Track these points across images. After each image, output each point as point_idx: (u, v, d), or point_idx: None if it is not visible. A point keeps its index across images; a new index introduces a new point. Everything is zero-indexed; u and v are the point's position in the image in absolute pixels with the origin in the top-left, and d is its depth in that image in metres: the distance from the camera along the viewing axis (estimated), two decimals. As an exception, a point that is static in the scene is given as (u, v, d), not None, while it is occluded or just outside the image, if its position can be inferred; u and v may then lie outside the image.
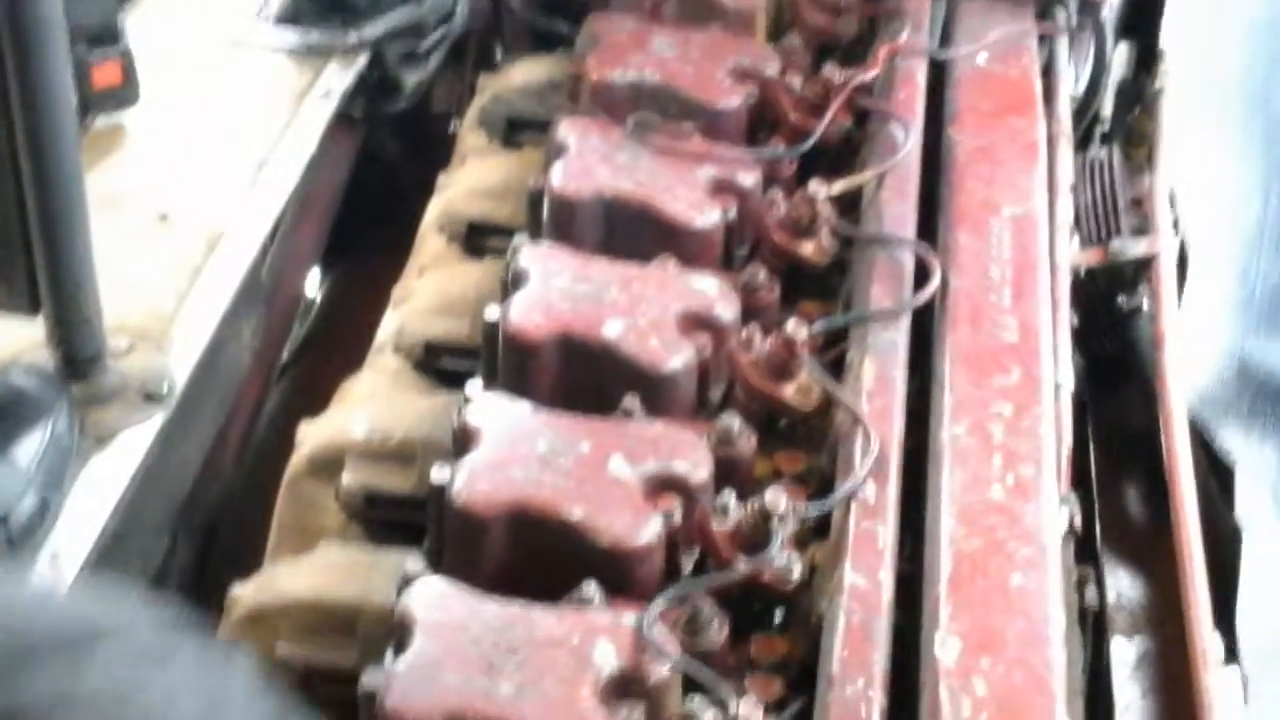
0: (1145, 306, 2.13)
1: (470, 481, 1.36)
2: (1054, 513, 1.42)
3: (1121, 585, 2.17)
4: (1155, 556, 1.94)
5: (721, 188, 1.72)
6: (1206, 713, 1.56)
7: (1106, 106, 2.40)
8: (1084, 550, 1.65)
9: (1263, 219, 0.63)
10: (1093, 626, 1.74)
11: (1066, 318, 1.70)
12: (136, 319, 1.55)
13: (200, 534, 1.64)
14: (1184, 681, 1.61)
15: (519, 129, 2.01)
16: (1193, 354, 0.70)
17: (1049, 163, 1.82)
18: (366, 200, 2.05)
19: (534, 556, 1.36)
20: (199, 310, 1.60)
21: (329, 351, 1.89)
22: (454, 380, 1.69)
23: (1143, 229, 2.08)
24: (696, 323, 1.55)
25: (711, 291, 1.57)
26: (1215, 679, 1.58)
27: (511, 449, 1.40)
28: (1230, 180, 0.63)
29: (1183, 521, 1.71)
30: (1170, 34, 0.70)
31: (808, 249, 1.69)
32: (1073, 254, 1.88)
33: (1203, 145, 0.66)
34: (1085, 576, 1.72)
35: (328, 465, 1.57)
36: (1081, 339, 1.87)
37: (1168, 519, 1.74)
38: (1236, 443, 0.68)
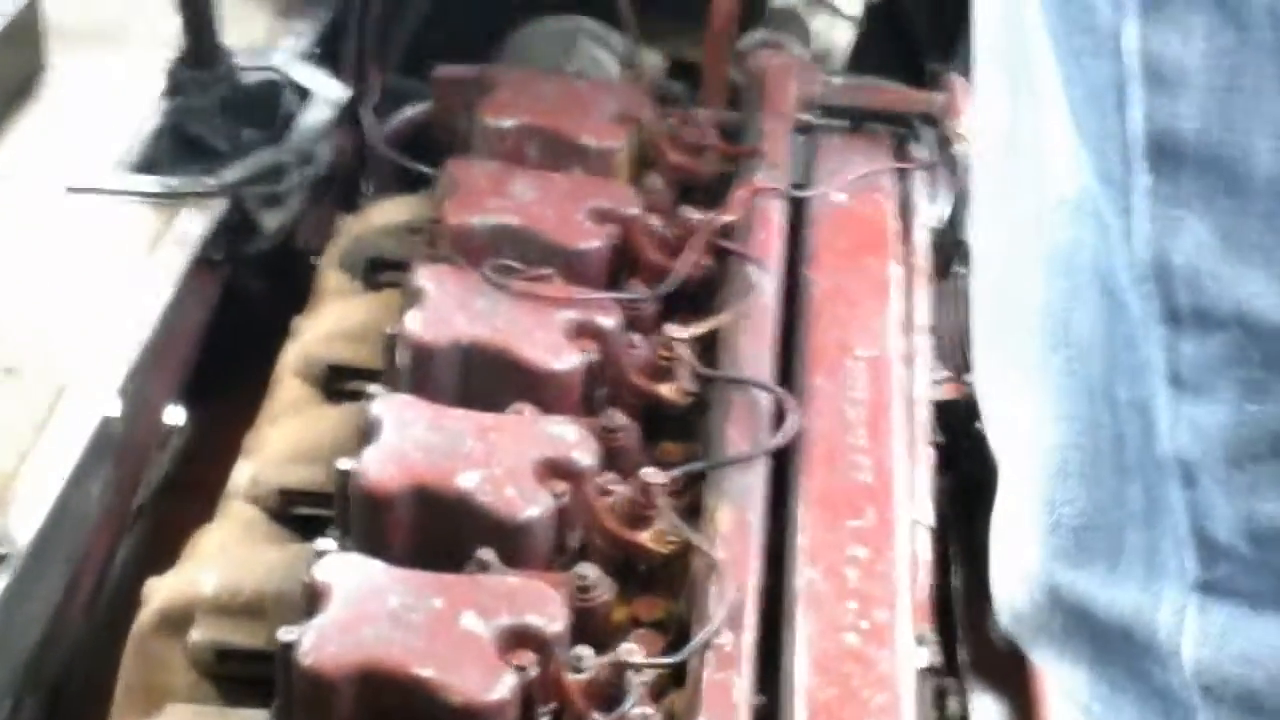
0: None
1: (318, 643, 1.33)
2: (909, 657, 1.42)
3: (989, 713, 2.17)
4: (1019, 682, 1.94)
5: (581, 331, 1.72)
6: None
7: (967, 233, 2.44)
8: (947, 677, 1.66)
9: (1066, 449, 0.64)
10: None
11: (925, 454, 1.71)
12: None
13: (45, 695, 1.59)
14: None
15: (380, 269, 2.00)
16: (1002, 573, 0.71)
17: (906, 300, 1.84)
18: (227, 342, 2.02)
19: (385, 717, 1.33)
20: (43, 466, 1.57)
21: (186, 500, 1.86)
22: (311, 527, 1.67)
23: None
24: (554, 470, 1.54)
25: (569, 438, 1.57)
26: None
27: (361, 607, 1.38)
28: (1034, 410, 0.64)
29: None
30: (975, 269, 0.72)
31: (667, 391, 1.69)
32: (934, 387, 1.90)
33: (1008, 375, 0.68)
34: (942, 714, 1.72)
35: (176, 621, 1.53)
36: (945, 464, 1.88)
37: None
38: (1049, 664, 0.68)
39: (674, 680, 1.42)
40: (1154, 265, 0.61)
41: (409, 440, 1.52)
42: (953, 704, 1.74)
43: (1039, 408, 0.69)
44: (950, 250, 2.29)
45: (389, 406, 1.56)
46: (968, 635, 2.04)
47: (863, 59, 2.62)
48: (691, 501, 1.58)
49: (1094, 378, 0.66)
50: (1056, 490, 0.68)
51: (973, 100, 0.82)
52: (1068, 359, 0.67)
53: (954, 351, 2.14)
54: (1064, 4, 0.62)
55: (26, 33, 2.15)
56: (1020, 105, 0.69)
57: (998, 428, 0.76)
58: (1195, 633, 0.63)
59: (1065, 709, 0.70)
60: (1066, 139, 0.64)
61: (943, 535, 1.74)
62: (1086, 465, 0.67)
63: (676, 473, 1.56)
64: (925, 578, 1.54)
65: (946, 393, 1.98)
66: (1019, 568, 0.71)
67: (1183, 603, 0.63)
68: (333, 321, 1.88)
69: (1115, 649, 0.66)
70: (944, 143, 2.13)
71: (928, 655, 1.49)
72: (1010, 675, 2.02)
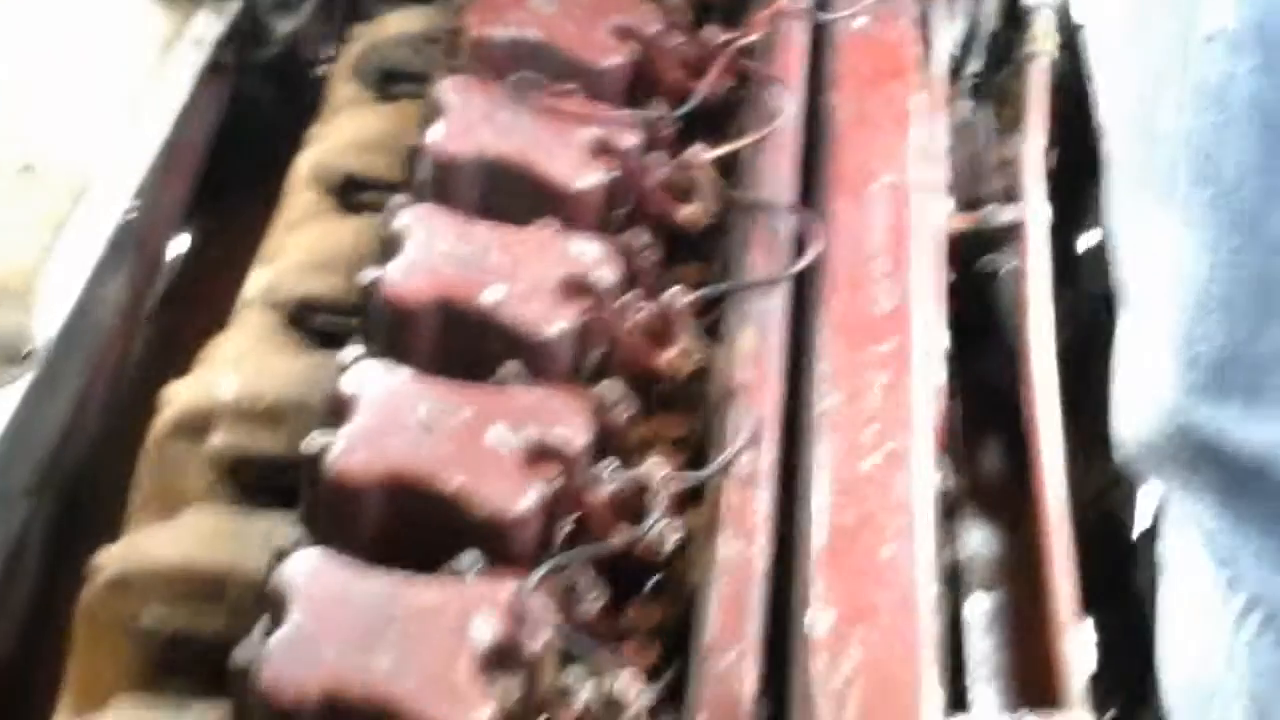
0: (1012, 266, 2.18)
1: (346, 451, 1.34)
2: (926, 483, 1.44)
3: (981, 541, 2.22)
4: (1015, 512, 1.99)
5: (602, 149, 1.71)
6: (1061, 664, 1.60)
7: (978, 62, 2.43)
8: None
9: (1208, 283, 0.63)
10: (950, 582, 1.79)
11: (942, 284, 1.72)
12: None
13: (62, 498, 1.61)
14: (1040, 634, 1.65)
15: (393, 80, 1.97)
16: (1131, 405, 0.72)
17: (925, 128, 1.83)
18: (235, 150, 2.01)
19: (412, 526, 1.35)
20: (64, 266, 1.56)
21: (193, 307, 1.86)
22: (327, 338, 1.67)
23: (1012, 192, 2.11)
24: (577, 288, 1.54)
25: (593, 256, 1.57)
26: (1071, 632, 1.62)
27: (388, 417, 1.38)
28: (1175, 244, 0.64)
29: (1042, 477, 1.75)
30: (1110, 100, 0.71)
31: (688, 213, 1.69)
32: (946, 218, 1.91)
33: (1146, 209, 0.67)
34: (948, 535, 1.75)
35: (194, 427, 1.54)
36: (949, 297, 1.90)
37: (1029, 476, 1.78)
38: (1173, 493, 0.69)
39: (692, 498, 1.44)
40: None
41: (435, 253, 1.52)
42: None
43: (1181, 241, 0.69)
44: (962, 80, 2.29)
45: (415, 217, 1.55)
46: (963, 464, 2.08)
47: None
48: (712, 324, 1.59)
49: (1243, 212, 0.66)
50: (1196, 325, 0.69)
51: None
52: (1215, 193, 0.67)
53: (962, 182, 2.15)
54: None
55: None
56: None
57: (1131, 261, 0.76)
58: None
59: (1183, 538, 0.71)
60: None
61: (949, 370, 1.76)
62: (1230, 301, 0.67)
63: (699, 295, 1.56)
64: (940, 404, 1.56)
65: (957, 223, 1.99)
66: (1150, 400, 0.72)
67: None
68: (349, 131, 1.86)
69: (1247, 484, 0.67)
70: (964, -30, 2.11)
71: (940, 480, 1.52)
72: (1005, 503, 2.06)
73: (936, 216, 1.77)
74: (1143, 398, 0.73)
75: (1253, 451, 0.67)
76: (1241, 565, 0.68)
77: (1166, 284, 0.71)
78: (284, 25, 2.00)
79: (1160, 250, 0.71)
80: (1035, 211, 2.03)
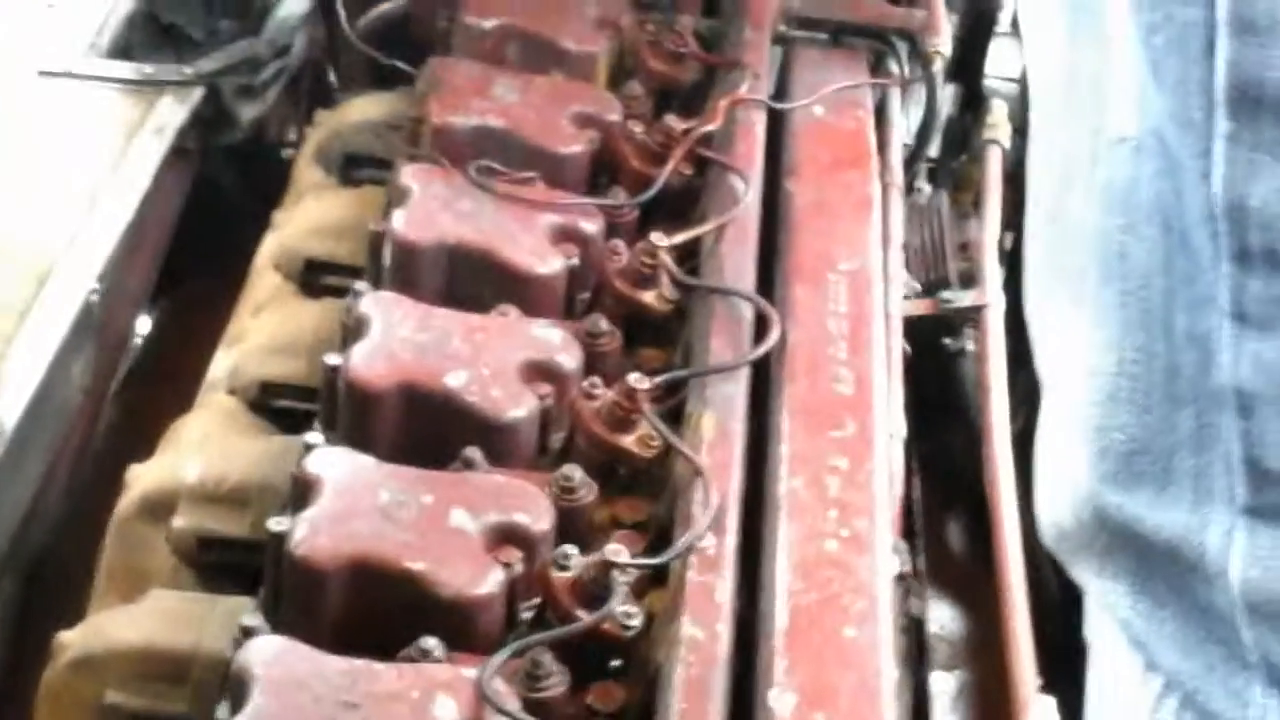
0: (969, 348, 2.21)
1: (311, 534, 1.35)
2: (887, 565, 1.45)
3: (944, 619, 2.23)
4: (976, 591, 2.00)
5: (564, 235, 1.73)
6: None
7: (934, 149, 2.47)
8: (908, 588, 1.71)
9: (1117, 376, 0.66)
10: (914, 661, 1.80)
11: (899, 368, 1.74)
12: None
13: (25, 578, 1.60)
14: (1002, 712, 1.66)
15: (356, 165, 2.00)
16: (1049, 492, 0.74)
17: (883, 215, 1.87)
18: (198, 233, 2.02)
19: (375, 609, 1.35)
20: (27, 349, 1.56)
21: (157, 386, 1.86)
22: (289, 421, 1.68)
23: (970, 276, 2.14)
24: (539, 372, 1.55)
25: (554, 340, 1.58)
26: (1032, 712, 1.63)
27: (352, 500, 1.39)
28: (1085, 338, 0.67)
29: (1004, 555, 1.76)
30: (1030, 199, 0.74)
31: (649, 298, 1.71)
32: (904, 303, 1.94)
33: (1059, 302, 0.70)
34: (911, 616, 1.76)
35: (159, 508, 1.55)
36: (908, 379, 1.93)
37: (991, 556, 1.79)
38: (1089, 578, 0.71)
39: (654, 581, 1.45)
40: (1228, 206, 0.63)
41: (397, 338, 1.53)
42: (914, 604, 1.79)
43: (1092, 335, 0.72)
44: (918, 167, 2.33)
45: (377, 303, 1.57)
46: (927, 543, 2.10)
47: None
48: (673, 408, 1.60)
49: (1150, 308, 0.69)
50: (1107, 416, 0.71)
51: (1024, 40, 0.84)
52: (1123, 289, 0.69)
53: (921, 266, 2.18)
54: None
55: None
56: (1080, 46, 0.71)
57: (1047, 352, 0.78)
58: (1243, 554, 0.66)
59: (1102, 621, 0.73)
60: (1134, 82, 0.66)
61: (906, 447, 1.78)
62: (1139, 392, 0.70)
63: (660, 380, 1.58)
64: (898, 488, 1.58)
65: (920, 308, 2.02)
66: (1066, 488, 0.74)
67: (1231, 525, 0.67)
68: (312, 216, 1.88)
69: (1160, 567, 0.69)
70: (921, 59, 2.15)
71: (898, 563, 1.54)
72: (967, 583, 2.08)
73: (896, 301, 1.79)
74: (1059, 484, 0.75)
75: (1165, 536, 0.69)
76: (1158, 648, 0.70)
77: (1079, 375, 0.73)
78: (248, 111, 2.02)
79: (1072, 342, 0.74)
80: (994, 296, 2.06)
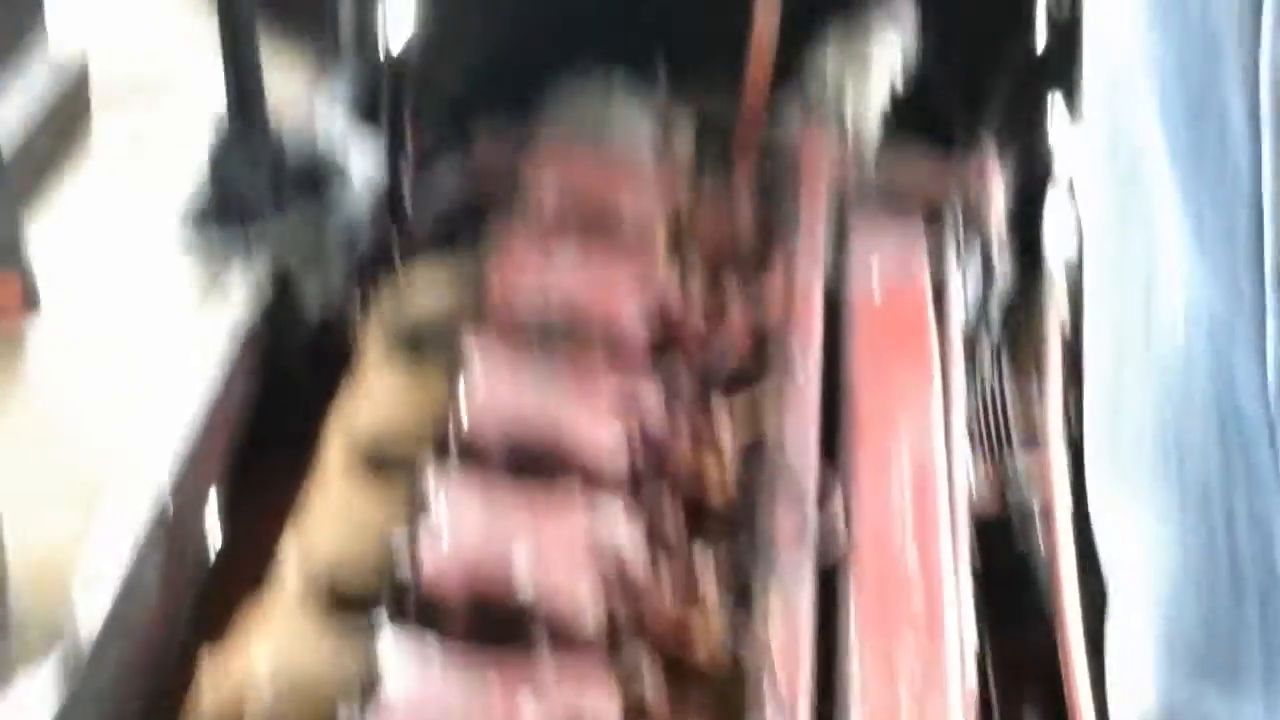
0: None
1: (380, 733, 1.36)
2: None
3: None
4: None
5: (627, 411, 1.75)
6: None
7: (992, 321, 2.45)
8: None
9: (1180, 566, 0.66)
10: None
11: (967, 570, 1.72)
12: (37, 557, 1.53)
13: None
14: None
15: (422, 343, 2.02)
16: (1121, 692, 0.74)
17: (944, 398, 1.86)
18: (267, 417, 2.04)
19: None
20: (101, 551, 1.58)
21: (231, 579, 1.87)
22: (360, 606, 1.68)
23: (1031, 444, 2.08)
24: (605, 556, 1.56)
25: (620, 524, 1.60)
26: None
27: (420, 696, 1.40)
28: (1147, 532, 0.66)
29: None
30: (1087, 379, 0.73)
31: (711, 480, 1.72)
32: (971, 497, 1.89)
33: (1118, 493, 0.69)
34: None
35: (233, 704, 1.55)
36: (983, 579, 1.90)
37: None
38: None
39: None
40: None
41: (463, 525, 1.55)
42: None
43: (1152, 520, 0.72)
44: (978, 337, 2.31)
45: (441, 487, 1.59)
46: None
47: (891, 124, 2.63)
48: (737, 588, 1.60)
49: (1208, 489, 0.68)
50: (1171, 607, 0.71)
51: (1080, 225, 0.84)
52: (1181, 478, 0.69)
53: (984, 437, 2.15)
54: (1198, 159, 0.65)
55: (75, 95, 2.17)
56: (1131, 232, 0.72)
57: (1110, 541, 0.78)
58: None
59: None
60: (1185, 265, 0.66)
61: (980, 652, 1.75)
62: (1203, 581, 0.70)
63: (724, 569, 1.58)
64: (973, 690, 1.56)
65: (984, 506, 1.96)
66: (1135, 684, 0.73)
67: None
68: (379, 398, 1.90)
69: None
70: (976, 225, 2.15)
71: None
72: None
73: (961, 498, 1.77)
74: (1129, 680, 0.75)
75: None
76: None
77: (1142, 569, 0.73)
78: (317, 299, 2.03)
79: (1133, 528, 0.74)
80: (1061, 495, 2.00)
